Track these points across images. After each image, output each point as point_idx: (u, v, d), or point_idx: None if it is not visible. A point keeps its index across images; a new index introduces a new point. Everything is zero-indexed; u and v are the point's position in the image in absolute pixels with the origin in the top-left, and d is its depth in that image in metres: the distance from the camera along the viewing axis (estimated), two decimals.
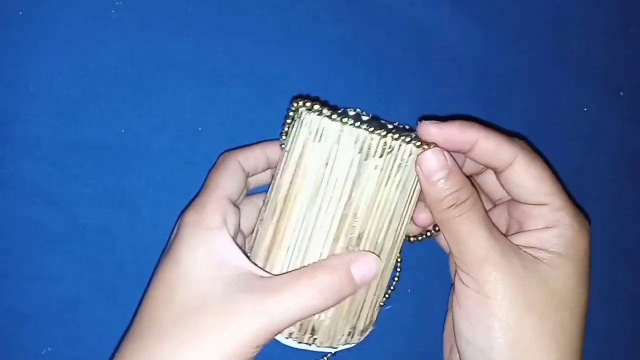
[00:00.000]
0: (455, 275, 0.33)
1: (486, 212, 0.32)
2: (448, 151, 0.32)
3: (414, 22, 0.44)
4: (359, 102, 0.36)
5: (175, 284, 0.30)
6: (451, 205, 0.31)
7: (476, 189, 0.33)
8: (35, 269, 0.39)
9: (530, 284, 0.31)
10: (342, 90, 0.43)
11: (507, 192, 0.34)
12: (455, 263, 0.32)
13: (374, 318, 0.35)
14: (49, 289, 0.39)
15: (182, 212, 0.33)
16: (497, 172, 0.34)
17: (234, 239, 0.32)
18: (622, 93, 0.49)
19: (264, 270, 0.32)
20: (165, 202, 0.40)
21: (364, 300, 0.33)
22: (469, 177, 0.34)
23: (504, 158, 0.32)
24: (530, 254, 0.32)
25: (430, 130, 0.32)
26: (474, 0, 0.46)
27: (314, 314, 0.30)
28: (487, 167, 0.35)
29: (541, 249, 0.32)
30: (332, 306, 0.31)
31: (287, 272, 0.31)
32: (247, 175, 0.36)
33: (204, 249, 0.31)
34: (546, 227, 0.32)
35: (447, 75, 0.45)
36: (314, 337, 0.32)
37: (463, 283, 0.31)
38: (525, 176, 0.32)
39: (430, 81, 0.45)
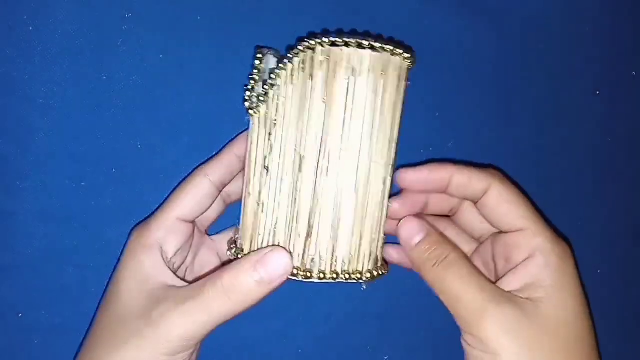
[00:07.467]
0: (463, 342, 0.33)
1: (474, 266, 0.33)
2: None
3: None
4: None
5: (110, 300, 0.34)
6: (435, 263, 0.33)
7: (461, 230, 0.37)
8: (51, 283, 0.39)
9: (532, 330, 0.31)
10: None
11: (487, 220, 0.36)
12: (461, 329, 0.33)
13: (377, 247, 0.34)
14: (65, 303, 0.39)
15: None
16: (475, 203, 0.36)
17: (169, 256, 0.35)
18: (634, 73, 0.48)
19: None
20: None
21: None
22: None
23: (478, 187, 0.35)
24: (525, 298, 0.32)
25: (407, 177, 0.35)
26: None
27: (228, 317, 0.31)
28: (466, 199, 0.37)
29: (533, 286, 0.32)
30: (248, 308, 0.32)
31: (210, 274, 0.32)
32: (220, 187, 0.37)
33: (134, 266, 0.34)
34: (530, 257, 0.33)
35: (455, 67, 0.44)
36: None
37: (469, 345, 0.32)
38: (500, 200, 0.35)
39: (440, 72, 0.44)
